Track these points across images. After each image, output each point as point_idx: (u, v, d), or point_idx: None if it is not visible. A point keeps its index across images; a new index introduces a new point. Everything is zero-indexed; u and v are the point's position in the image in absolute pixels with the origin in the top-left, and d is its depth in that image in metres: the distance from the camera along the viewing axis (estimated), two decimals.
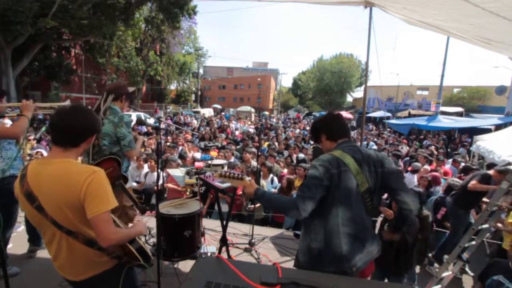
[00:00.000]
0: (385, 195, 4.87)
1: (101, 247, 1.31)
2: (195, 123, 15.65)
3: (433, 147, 9.40)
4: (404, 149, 9.96)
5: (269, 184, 4.78)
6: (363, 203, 1.56)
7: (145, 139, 7.59)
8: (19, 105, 2.35)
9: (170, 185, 4.32)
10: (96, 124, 1.37)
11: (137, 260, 1.42)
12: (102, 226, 1.20)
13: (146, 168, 5.14)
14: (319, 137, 1.79)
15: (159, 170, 2.20)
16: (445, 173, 6.00)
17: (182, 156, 5.47)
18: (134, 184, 4.90)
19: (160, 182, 2.96)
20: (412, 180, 5.70)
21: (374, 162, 1.61)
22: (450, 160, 7.52)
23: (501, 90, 17.88)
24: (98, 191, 1.21)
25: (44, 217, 1.23)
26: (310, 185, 1.48)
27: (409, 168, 5.98)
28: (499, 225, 3.42)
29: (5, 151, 2.39)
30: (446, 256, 3.42)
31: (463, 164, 6.57)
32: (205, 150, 5.88)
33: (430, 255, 4.14)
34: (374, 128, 19.62)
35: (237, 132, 12.75)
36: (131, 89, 2.63)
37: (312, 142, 10.08)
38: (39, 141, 6.83)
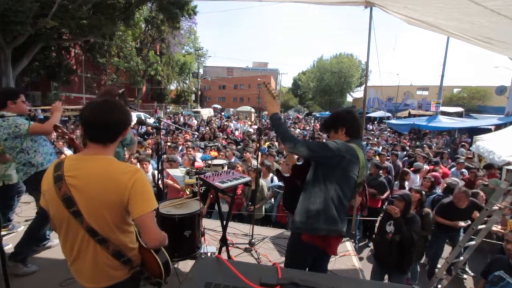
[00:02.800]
0: (386, 193, 4.93)
1: (127, 260, 1.28)
2: (195, 123, 15.63)
3: (426, 148, 9.36)
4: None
5: (269, 183, 4.77)
6: (353, 192, 1.88)
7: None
8: (49, 108, 2.73)
9: (169, 181, 4.30)
10: (130, 117, 1.36)
11: (159, 277, 1.37)
12: (150, 224, 1.20)
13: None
14: (338, 128, 1.90)
15: (158, 170, 2.20)
16: (444, 175, 6.02)
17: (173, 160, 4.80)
18: None
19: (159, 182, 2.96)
20: (415, 179, 5.72)
21: (366, 165, 1.92)
22: (453, 163, 7.54)
23: (501, 90, 17.86)
24: (142, 190, 1.21)
25: (80, 224, 1.18)
26: (317, 144, 1.80)
27: (411, 168, 6.02)
28: (496, 229, 3.41)
29: (42, 147, 2.62)
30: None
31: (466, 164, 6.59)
32: (205, 150, 5.87)
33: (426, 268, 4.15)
34: (374, 128, 19.59)
35: (236, 133, 12.74)
36: (120, 90, 2.72)
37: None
38: None
